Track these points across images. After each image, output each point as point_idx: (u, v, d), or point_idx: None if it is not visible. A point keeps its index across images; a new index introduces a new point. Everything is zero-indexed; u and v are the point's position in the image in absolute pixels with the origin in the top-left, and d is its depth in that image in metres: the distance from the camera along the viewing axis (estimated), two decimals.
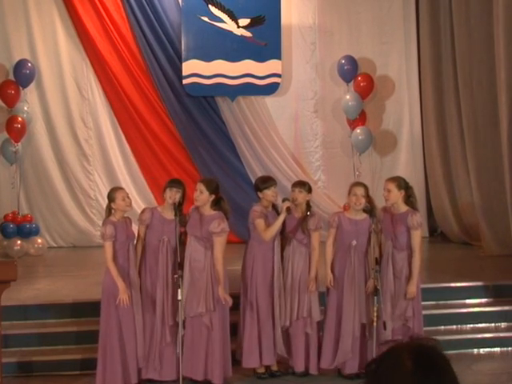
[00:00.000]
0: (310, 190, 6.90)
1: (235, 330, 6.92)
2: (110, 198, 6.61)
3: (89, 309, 7.25)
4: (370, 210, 6.70)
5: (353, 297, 6.71)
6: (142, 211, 6.82)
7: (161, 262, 6.62)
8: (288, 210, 6.65)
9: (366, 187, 6.83)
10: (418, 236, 6.65)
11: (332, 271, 6.76)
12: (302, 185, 6.91)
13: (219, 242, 6.56)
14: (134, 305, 6.51)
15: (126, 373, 6.51)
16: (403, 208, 6.68)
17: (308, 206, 6.87)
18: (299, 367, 6.87)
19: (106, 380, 6.47)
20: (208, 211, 6.65)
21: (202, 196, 6.61)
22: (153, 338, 6.63)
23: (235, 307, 6.81)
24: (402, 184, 6.68)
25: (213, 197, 6.64)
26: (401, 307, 6.60)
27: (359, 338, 6.76)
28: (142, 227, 6.71)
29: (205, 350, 6.59)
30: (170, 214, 6.68)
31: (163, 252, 6.62)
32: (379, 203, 7.17)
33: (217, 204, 6.67)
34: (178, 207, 6.63)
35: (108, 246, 6.48)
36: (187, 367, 6.59)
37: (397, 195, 6.65)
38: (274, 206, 6.92)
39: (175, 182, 6.79)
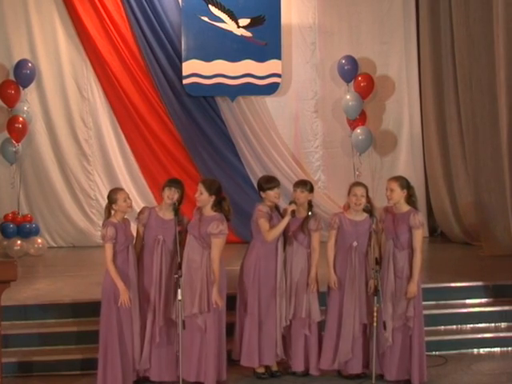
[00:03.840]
0: (311, 190, 6.88)
1: (231, 331, 6.87)
2: (111, 199, 6.57)
3: (89, 309, 7.24)
4: (370, 209, 6.70)
5: (353, 297, 6.71)
6: (141, 210, 6.79)
7: (155, 261, 6.59)
8: (293, 213, 6.66)
9: (365, 187, 6.82)
10: (419, 235, 6.65)
11: (334, 272, 6.76)
12: (304, 184, 6.89)
13: (217, 244, 6.52)
14: (133, 306, 6.50)
15: (126, 373, 6.50)
16: (405, 208, 6.68)
17: (310, 205, 6.87)
18: (298, 367, 6.87)
19: (107, 381, 6.45)
20: (208, 212, 6.64)
21: (201, 197, 6.61)
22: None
23: (232, 307, 6.79)
24: (405, 183, 6.68)
25: (213, 198, 6.61)
26: (402, 307, 6.60)
27: (361, 338, 6.75)
28: (141, 226, 6.69)
29: (198, 352, 6.56)
30: (167, 214, 6.67)
31: (158, 252, 6.60)
32: (380, 203, 7.17)
33: (218, 205, 6.65)
34: (177, 207, 6.61)
35: (108, 247, 6.46)
36: (182, 368, 6.56)
37: (399, 194, 6.65)
38: (277, 208, 6.90)
39: (174, 182, 6.75)
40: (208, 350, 6.53)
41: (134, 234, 6.74)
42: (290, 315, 6.79)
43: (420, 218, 6.68)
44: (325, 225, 7.05)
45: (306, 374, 6.90)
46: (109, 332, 6.46)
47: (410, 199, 6.72)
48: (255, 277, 6.74)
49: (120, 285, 6.38)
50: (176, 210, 6.58)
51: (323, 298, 6.93)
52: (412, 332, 6.61)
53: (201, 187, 6.63)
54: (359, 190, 6.74)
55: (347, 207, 6.88)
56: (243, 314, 6.80)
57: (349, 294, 6.72)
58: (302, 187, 6.84)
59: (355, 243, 6.74)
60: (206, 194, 6.59)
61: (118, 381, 6.45)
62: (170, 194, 6.63)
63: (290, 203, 6.73)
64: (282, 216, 6.78)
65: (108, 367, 6.45)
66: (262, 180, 6.98)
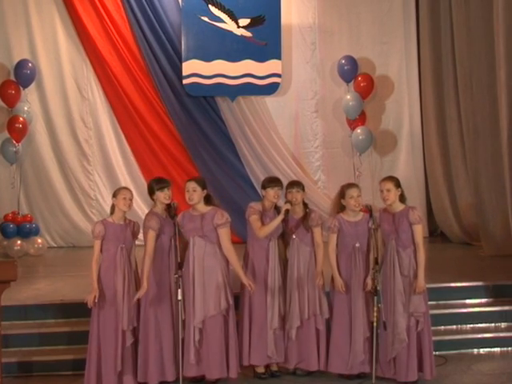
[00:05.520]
0: (304, 189, 6.94)
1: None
2: (114, 193, 6.69)
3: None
4: (370, 208, 6.71)
5: (361, 298, 6.72)
6: (150, 218, 6.65)
7: (172, 261, 6.64)
8: (287, 212, 6.69)
9: (359, 187, 6.85)
10: (420, 230, 6.67)
11: (339, 275, 6.75)
12: (298, 184, 6.93)
13: (226, 233, 6.62)
14: (119, 310, 6.48)
15: (103, 375, 6.51)
16: (400, 206, 6.70)
17: (304, 204, 6.92)
18: (313, 366, 6.84)
19: (90, 380, 6.52)
20: (204, 208, 6.69)
21: (195, 194, 6.65)
22: (173, 339, 6.64)
23: (236, 307, 6.81)
24: (397, 182, 6.73)
25: (205, 192, 6.70)
26: (413, 304, 6.58)
27: (370, 338, 6.73)
28: (153, 233, 6.60)
29: (222, 347, 6.60)
30: (164, 214, 6.71)
31: (173, 251, 6.65)
32: (380, 203, 7.17)
33: (208, 200, 6.73)
34: (175, 206, 6.63)
35: (95, 244, 6.58)
36: (206, 368, 6.59)
37: (395, 194, 6.68)
38: (277, 208, 6.92)
39: (164, 182, 6.77)
40: (231, 340, 6.61)
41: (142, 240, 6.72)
42: (305, 315, 6.78)
43: (419, 213, 6.72)
44: (324, 225, 7.04)
45: (309, 372, 6.89)
46: (90, 333, 6.55)
47: (403, 197, 6.75)
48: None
49: (93, 284, 6.47)
50: (175, 210, 6.60)
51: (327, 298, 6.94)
52: (422, 328, 6.61)
53: (193, 184, 6.66)
54: (355, 192, 6.75)
55: (342, 209, 6.85)
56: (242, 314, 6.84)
57: (356, 295, 6.71)
58: (297, 187, 6.88)
59: (358, 244, 6.74)
60: (199, 190, 6.66)
61: (92, 381, 6.48)
62: (167, 195, 6.68)
63: (286, 203, 6.76)
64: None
65: (92, 367, 6.51)
66: (265, 179, 7.08)
